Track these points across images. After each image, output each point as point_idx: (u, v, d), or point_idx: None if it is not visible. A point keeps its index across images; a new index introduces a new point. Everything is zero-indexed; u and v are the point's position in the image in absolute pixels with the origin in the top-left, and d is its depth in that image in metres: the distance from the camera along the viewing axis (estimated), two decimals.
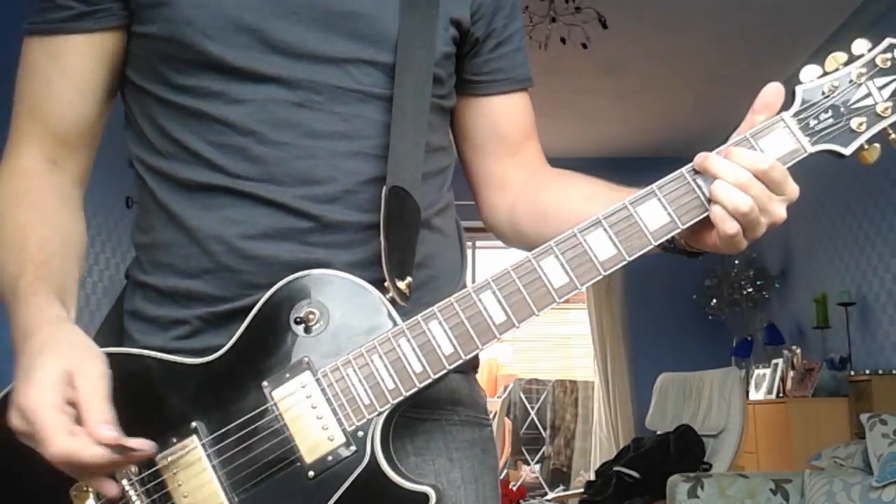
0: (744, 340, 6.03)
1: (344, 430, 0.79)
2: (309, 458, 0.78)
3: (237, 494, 0.79)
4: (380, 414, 0.79)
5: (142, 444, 0.74)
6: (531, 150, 1.05)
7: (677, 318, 6.76)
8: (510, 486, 5.70)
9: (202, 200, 0.87)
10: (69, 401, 0.72)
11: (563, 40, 4.59)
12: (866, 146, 0.82)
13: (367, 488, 0.78)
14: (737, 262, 6.24)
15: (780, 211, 0.80)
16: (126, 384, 0.79)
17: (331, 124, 0.87)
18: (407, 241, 0.87)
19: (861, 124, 0.82)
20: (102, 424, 0.71)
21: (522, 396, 7.39)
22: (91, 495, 0.79)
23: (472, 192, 1.07)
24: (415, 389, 0.79)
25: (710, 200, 0.80)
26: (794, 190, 0.81)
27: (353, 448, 0.78)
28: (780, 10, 4.72)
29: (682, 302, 6.68)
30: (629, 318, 7.05)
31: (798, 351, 5.44)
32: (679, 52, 5.27)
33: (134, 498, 0.79)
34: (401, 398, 0.79)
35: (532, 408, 7.34)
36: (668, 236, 0.81)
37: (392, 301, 0.82)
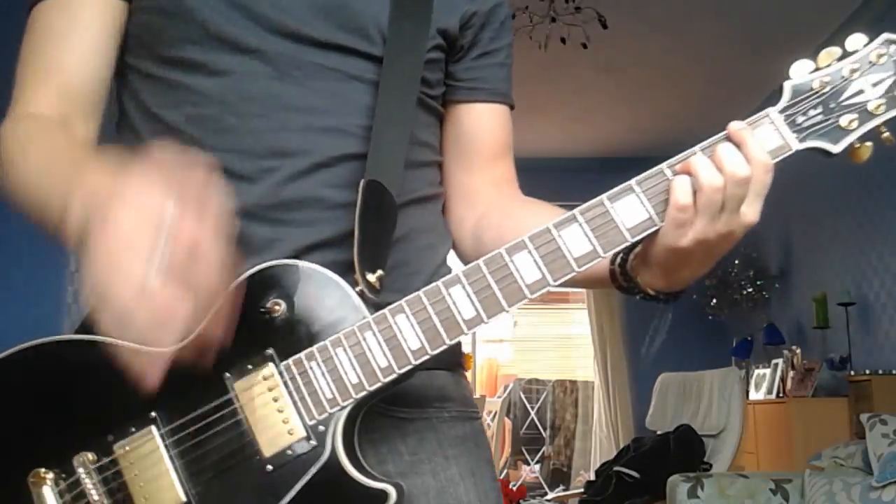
0: (744, 340, 6.04)
1: (304, 424, 0.77)
2: (268, 452, 0.76)
3: (194, 486, 0.77)
4: (342, 409, 0.77)
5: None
6: (504, 169, 1.04)
7: (677, 318, 6.77)
8: (510, 486, 5.70)
9: None
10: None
11: (563, 40, 4.60)
12: (858, 144, 0.79)
13: (326, 484, 0.76)
14: (737, 262, 6.25)
15: (750, 214, 0.77)
16: (88, 370, 0.79)
17: (307, 99, 0.87)
18: (381, 235, 0.85)
19: (852, 121, 0.79)
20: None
21: (522, 396, 7.40)
22: (48, 481, 0.78)
23: None
24: (379, 385, 0.76)
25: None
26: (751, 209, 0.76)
27: (312, 443, 0.76)
28: (779, 10, 4.72)
29: (682, 302, 6.66)
30: (629, 318, 7.05)
31: (798, 351, 5.45)
32: (678, 53, 5.27)
33: (90, 486, 0.78)
34: (364, 393, 0.77)
35: (532, 408, 7.35)
36: (647, 233, 0.78)
37: (361, 294, 0.79)
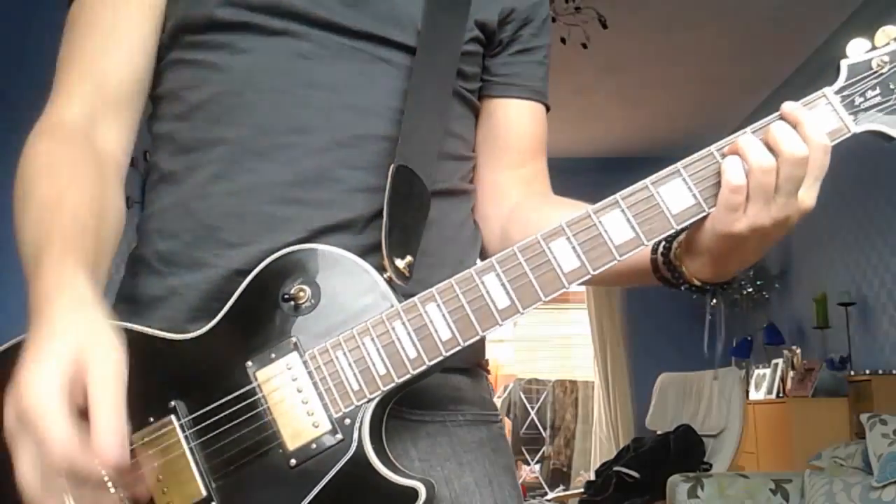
0: (744, 340, 6.04)
1: (330, 417, 0.73)
2: (291, 445, 0.73)
3: (214, 480, 0.74)
4: (369, 401, 0.74)
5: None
6: (537, 168, 1.00)
7: (677, 318, 6.76)
8: None
9: (195, 159, 0.85)
10: (79, 404, 0.64)
11: (563, 40, 4.59)
12: None
13: (352, 480, 0.72)
14: None
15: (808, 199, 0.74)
16: None
17: (331, 76, 0.85)
18: (412, 222, 0.82)
19: None
20: (110, 440, 0.62)
21: (522, 396, 7.40)
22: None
23: None
24: (408, 376, 0.73)
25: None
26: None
27: (338, 436, 0.73)
28: (779, 10, 4.72)
29: (683, 302, 6.68)
30: (629, 318, 7.04)
31: (798, 351, 5.44)
32: (679, 52, 5.27)
33: (106, 478, 0.73)
34: (392, 385, 0.73)
35: (532, 408, 7.35)
36: (693, 220, 0.74)
37: (389, 281, 0.76)
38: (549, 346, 8.05)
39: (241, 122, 0.84)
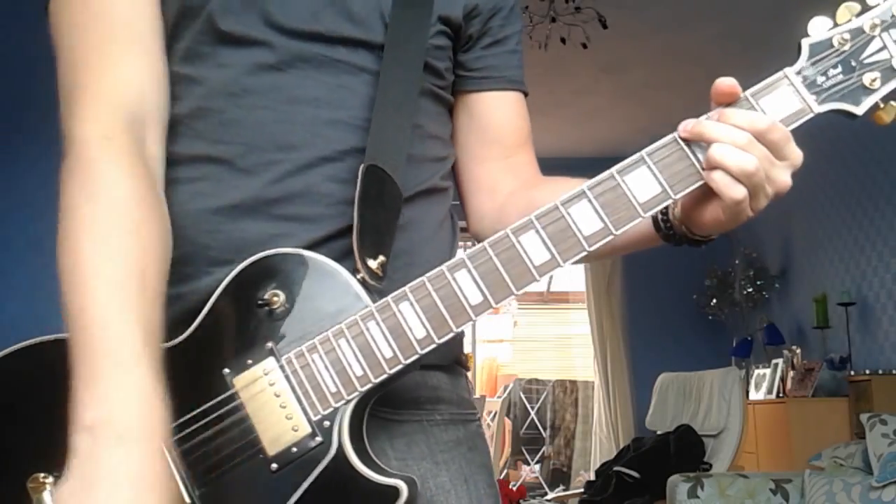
0: (744, 340, 6.04)
1: (309, 420, 0.74)
2: (272, 450, 0.74)
3: (197, 487, 0.74)
4: (347, 402, 0.74)
5: None
6: (524, 157, 1.01)
7: (677, 318, 6.76)
8: (510, 486, 5.70)
9: (177, 174, 0.84)
10: None
11: (563, 40, 4.59)
12: (882, 105, 0.75)
13: (334, 482, 0.73)
14: (737, 262, 6.24)
15: (784, 177, 0.74)
16: None
17: (312, 91, 0.85)
18: (383, 222, 0.82)
19: (875, 80, 0.74)
20: None
21: (522, 396, 7.39)
22: (48, 486, 0.71)
23: (459, 198, 1.01)
24: (384, 376, 0.74)
25: (707, 168, 0.74)
26: (797, 155, 0.74)
27: (318, 439, 0.74)
28: (779, 9, 4.72)
29: (682, 302, 6.68)
30: (629, 318, 7.04)
31: (798, 351, 5.44)
32: (679, 52, 5.27)
33: None
34: (369, 385, 0.74)
35: (532, 408, 7.34)
36: (660, 207, 0.75)
37: (362, 282, 0.77)
38: (549, 346, 8.05)
39: (226, 140, 0.84)
